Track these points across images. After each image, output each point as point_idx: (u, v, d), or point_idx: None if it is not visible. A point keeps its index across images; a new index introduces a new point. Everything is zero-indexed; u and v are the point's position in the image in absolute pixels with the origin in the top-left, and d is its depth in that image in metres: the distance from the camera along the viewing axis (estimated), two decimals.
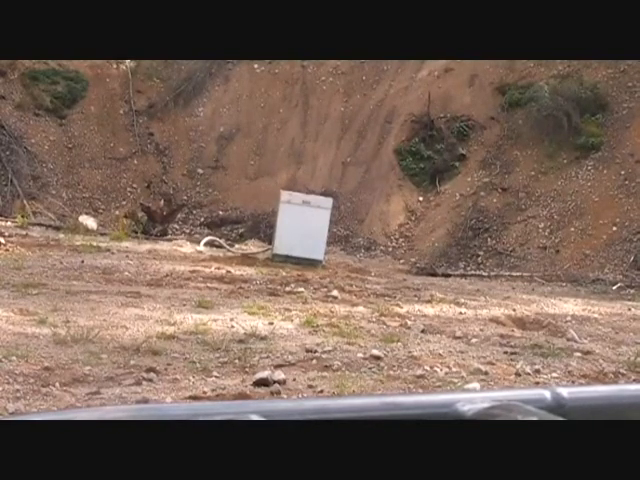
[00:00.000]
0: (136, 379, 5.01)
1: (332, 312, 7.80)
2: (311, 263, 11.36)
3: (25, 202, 15.14)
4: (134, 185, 17.02)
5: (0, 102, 16.71)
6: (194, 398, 4.62)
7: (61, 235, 12.63)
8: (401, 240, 15.32)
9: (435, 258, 14.32)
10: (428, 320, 7.75)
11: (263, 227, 15.23)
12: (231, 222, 16.50)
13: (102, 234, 13.40)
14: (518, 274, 13.06)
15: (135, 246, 12.06)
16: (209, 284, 9.00)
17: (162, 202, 15.39)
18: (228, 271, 10.09)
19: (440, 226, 15.17)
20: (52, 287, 7.92)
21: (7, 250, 10.46)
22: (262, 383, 5.03)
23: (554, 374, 5.83)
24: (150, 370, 5.22)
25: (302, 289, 9.11)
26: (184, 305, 7.57)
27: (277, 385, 5.02)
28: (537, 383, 5.48)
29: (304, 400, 3.20)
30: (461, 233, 14.83)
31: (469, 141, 16.48)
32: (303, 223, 11.46)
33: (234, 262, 11.08)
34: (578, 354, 6.54)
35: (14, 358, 5.24)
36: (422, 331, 7.13)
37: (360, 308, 8.18)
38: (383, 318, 7.68)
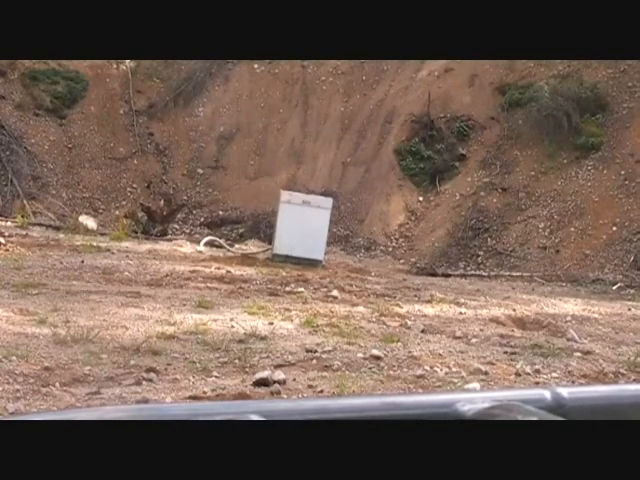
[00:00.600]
0: (136, 379, 5.01)
1: (332, 312, 7.80)
2: (311, 263, 11.36)
3: (25, 202, 15.14)
4: (134, 185, 17.02)
5: (0, 102, 16.71)
6: (194, 398, 4.62)
7: (61, 235, 12.63)
8: (401, 240, 15.33)
9: (435, 258, 14.32)
10: (428, 320, 7.75)
11: (263, 227, 15.23)
12: (231, 222, 16.50)
13: (102, 234, 13.41)
14: (518, 274, 13.06)
15: (135, 246, 12.06)
16: (209, 284, 9.00)
17: (162, 202, 15.39)
18: (228, 271, 10.09)
19: (440, 226, 15.17)
20: (52, 287, 7.92)
21: (7, 250, 10.46)
22: (262, 383, 5.02)
23: (554, 374, 5.83)
24: (150, 370, 5.22)
25: (302, 289, 9.11)
26: (184, 305, 7.57)
27: (277, 385, 5.02)
28: (537, 383, 5.48)
29: (304, 400, 3.20)
30: (461, 233, 14.83)
31: (469, 141, 16.49)
32: (303, 223, 11.47)
33: (234, 262, 11.08)
34: (578, 354, 6.54)
35: (14, 358, 5.24)
36: (422, 331, 7.13)
37: (360, 308, 8.17)
38: (383, 318, 7.68)
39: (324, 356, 5.93)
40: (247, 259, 11.73)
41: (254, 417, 0.85)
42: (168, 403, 4.02)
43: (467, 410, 0.95)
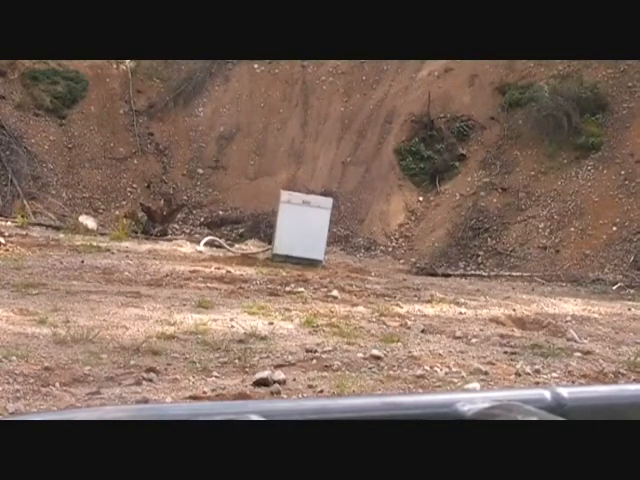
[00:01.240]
0: (136, 379, 5.01)
1: (332, 312, 7.80)
2: (311, 263, 11.36)
3: (25, 202, 15.13)
4: (134, 185, 17.02)
5: (0, 102, 16.71)
6: (194, 398, 4.62)
7: (61, 235, 12.63)
8: (401, 240, 15.32)
9: (435, 258, 14.31)
10: (428, 320, 7.75)
11: (263, 227, 15.23)
12: (231, 222, 16.50)
13: (102, 234, 13.40)
14: (518, 274, 13.06)
15: (135, 246, 12.06)
16: (209, 284, 9.00)
17: (162, 202, 15.39)
18: (228, 271, 10.09)
19: (440, 226, 15.17)
20: (52, 287, 7.92)
21: (7, 250, 10.46)
22: (262, 383, 5.03)
23: (554, 374, 5.83)
24: (150, 370, 5.22)
25: (302, 289, 9.11)
26: (184, 305, 7.57)
27: (277, 385, 5.02)
28: (537, 383, 5.48)
29: (304, 400, 3.20)
30: (461, 233, 14.82)
31: (469, 141, 16.48)
32: (303, 223, 11.47)
33: (234, 262, 11.08)
34: (578, 354, 6.54)
35: (14, 358, 5.24)
36: (422, 331, 7.13)
37: (360, 308, 8.17)
38: (383, 318, 7.68)
39: (324, 356, 5.93)
40: (247, 259, 11.73)
41: (254, 417, 0.85)
42: (168, 403, 4.02)
43: (467, 410, 0.95)
